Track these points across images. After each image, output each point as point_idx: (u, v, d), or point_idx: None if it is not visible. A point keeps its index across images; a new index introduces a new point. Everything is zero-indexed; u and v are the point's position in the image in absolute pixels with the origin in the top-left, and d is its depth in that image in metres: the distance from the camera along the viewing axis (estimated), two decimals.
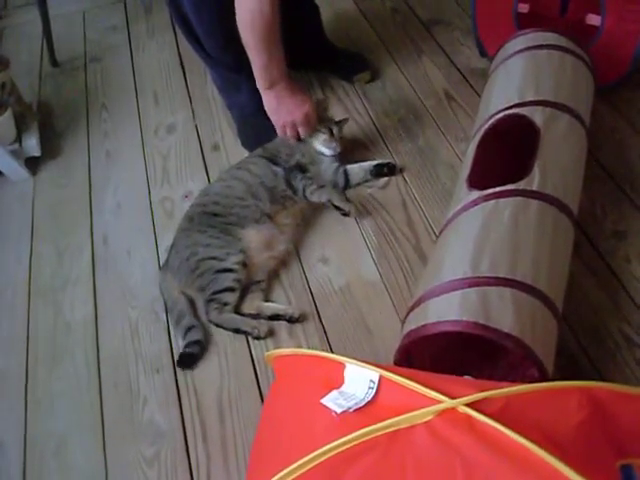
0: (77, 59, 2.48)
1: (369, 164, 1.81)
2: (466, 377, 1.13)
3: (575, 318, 1.44)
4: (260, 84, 1.70)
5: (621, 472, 0.92)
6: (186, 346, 1.51)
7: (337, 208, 1.70)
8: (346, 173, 1.80)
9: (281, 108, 1.73)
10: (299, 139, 1.78)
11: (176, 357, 1.51)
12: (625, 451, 0.93)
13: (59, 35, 2.49)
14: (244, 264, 1.59)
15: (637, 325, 1.42)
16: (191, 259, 1.60)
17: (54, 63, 2.45)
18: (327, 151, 1.77)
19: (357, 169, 1.81)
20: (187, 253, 1.61)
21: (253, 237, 1.63)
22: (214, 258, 1.59)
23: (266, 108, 1.75)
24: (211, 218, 1.66)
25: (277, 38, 1.62)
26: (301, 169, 1.73)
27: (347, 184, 1.80)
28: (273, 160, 1.76)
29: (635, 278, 1.50)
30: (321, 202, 1.71)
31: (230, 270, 1.57)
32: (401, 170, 1.83)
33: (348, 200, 1.76)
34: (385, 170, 1.81)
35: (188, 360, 1.50)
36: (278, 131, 1.78)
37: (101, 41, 2.56)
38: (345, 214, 1.70)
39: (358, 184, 1.81)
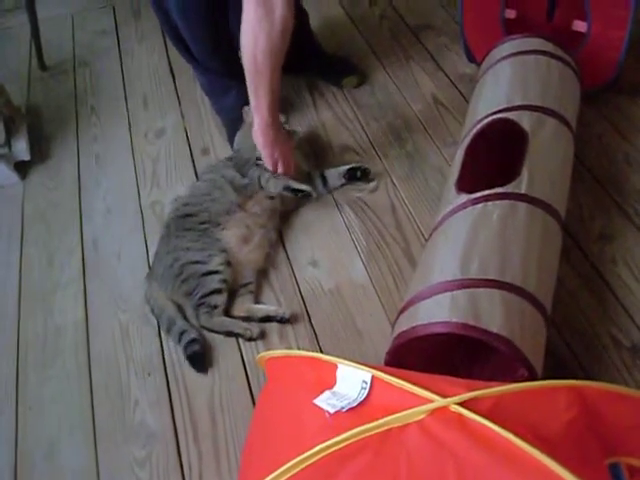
0: (66, 63, 2.48)
1: (344, 168, 1.82)
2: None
3: (563, 320, 1.45)
4: (266, 119, 1.62)
5: (609, 470, 0.94)
6: (186, 348, 1.51)
7: (297, 192, 1.71)
8: (324, 177, 1.81)
9: (277, 143, 1.69)
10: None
11: (167, 360, 1.52)
12: (613, 450, 0.95)
13: (48, 39, 2.49)
14: (228, 263, 1.60)
15: (624, 327, 1.43)
16: (174, 265, 1.60)
17: (43, 67, 2.45)
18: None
19: (334, 173, 1.82)
20: (169, 259, 1.62)
21: (230, 237, 1.65)
22: (197, 262, 1.59)
23: (261, 141, 1.67)
24: (185, 221, 1.68)
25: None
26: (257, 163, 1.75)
27: (325, 188, 1.81)
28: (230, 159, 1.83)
29: (622, 280, 1.52)
30: (278, 191, 1.71)
31: (215, 272, 1.58)
32: (390, 176, 1.85)
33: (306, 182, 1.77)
34: (358, 174, 1.81)
35: (197, 360, 1.50)
36: (268, 163, 1.71)
37: (90, 45, 2.56)
38: (306, 195, 1.72)
39: (336, 188, 1.83)
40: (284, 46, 1.50)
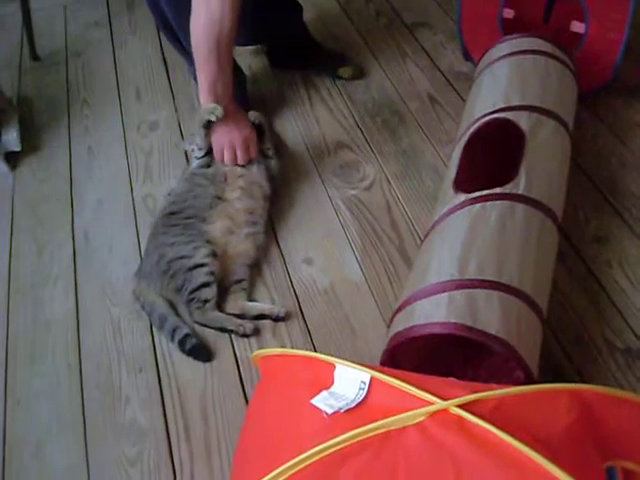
0: (58, 54, 2.45)
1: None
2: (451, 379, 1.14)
3: (557, 322, 1.45)
4: (203, 98, 1.66)
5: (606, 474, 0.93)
6: (183, 344, 1.49)
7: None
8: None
9: (221, 127, 1.70)
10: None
11: (159, 356, 1.50)
12: (610, 453, 0.94)
13: (40, 29, 2.47)
14: (214, 254, 1.58)
15: (618, 330, 1.43)
16: (161, 262, 1.58)
17: (35, 57, 2.42)
18: None
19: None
20: (156, 256, 1.60)
21: (215, 229, 1.62)
22: (183, 257, 1.57)
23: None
24: (171, 218, 1.66)
25: (230, 51, 1.64)
26: None
27: None
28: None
29: (617, 283, 1.51)
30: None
31: (202, 265, 1.56)
32: (385, 174, 1.84)
33: None
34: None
35: (199, 352, 1.48)
36: (215, 152, 1.73)
37: (83, 36, 2.53)
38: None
39: None
40: (225, 34, 1.59)
